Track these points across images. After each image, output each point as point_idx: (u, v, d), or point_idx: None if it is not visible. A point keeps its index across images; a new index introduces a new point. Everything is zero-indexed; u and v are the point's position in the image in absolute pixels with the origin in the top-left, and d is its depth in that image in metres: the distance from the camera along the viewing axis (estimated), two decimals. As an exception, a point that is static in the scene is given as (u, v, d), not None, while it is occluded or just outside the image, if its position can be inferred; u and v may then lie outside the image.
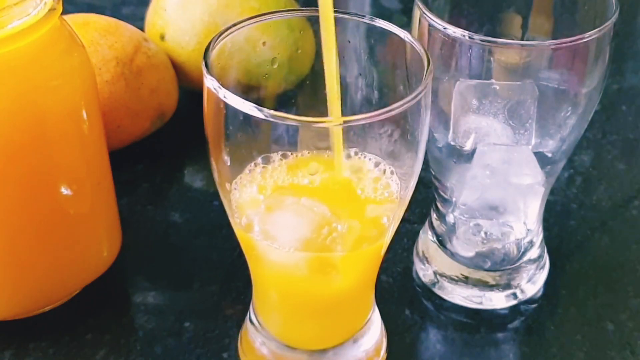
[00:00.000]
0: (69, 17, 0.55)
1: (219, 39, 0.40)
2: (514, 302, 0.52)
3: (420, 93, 0.37)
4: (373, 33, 0.42)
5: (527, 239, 0.52)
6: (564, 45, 0.42)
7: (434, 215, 0.53)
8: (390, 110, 0.36)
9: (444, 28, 0.43)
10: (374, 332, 0.48)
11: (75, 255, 0.49)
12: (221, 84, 0.37)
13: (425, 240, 0.54)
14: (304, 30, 0.43)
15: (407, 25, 0.42)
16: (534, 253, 0.52)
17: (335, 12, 0.42)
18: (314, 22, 0.42)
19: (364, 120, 0.36)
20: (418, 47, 0.40)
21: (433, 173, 0.51)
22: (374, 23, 0.41)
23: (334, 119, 0.39)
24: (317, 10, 0.42)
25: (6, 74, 0.42)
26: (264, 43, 0.42)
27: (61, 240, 0.48)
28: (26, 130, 0.43)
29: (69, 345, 0.49)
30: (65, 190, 0.47)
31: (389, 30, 0.41)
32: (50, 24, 0.43)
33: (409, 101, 0.37)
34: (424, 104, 0.38)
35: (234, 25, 0.41)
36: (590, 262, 0.56)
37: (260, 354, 0.47)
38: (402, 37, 0.41)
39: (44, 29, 0.42)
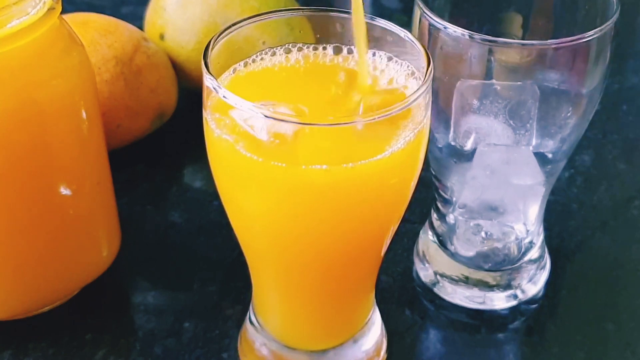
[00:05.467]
0: (68, 17, 0.55)
1: (218, 38, 0.40)
2: (514, 302, 0.52)
3: (421, 93, 0.37)
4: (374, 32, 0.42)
5: (528, 239, 0.52)
6: (564, 44, 0.42)
7: (434, 215, 0.53)
8: (391, 110, 0.36)
9: (445, 27, 0.43)
10: (375, 332, 0.48)
11: (75, 255, 0.49)
12: (220, 84, 0.37)
13: (426, 240, 0.54)
14: (304, 30, 0.43)
15: (407, 25, 0.42)
16: (534, 253, 0.52)
17: (336, 11, 0.42)
18: (314, 21, 0.42)
19: (365, 120, 0.36)
20: (418, 46, 0.40)
21: (433, 173, 0.51)
22: (374, 22, 0.41)
23: (336, 119, 0.38)
24: (316, 10, 0.42)
25: (5, 73, 0.42)
26: (263, 42, 0.43)
27: (60, 240, 0.48)
28: (25, 129, 0.43)
29: (69, 345, 0.49)
30: (64, 190, 0.47)
31: (390, 30, 0.41)
32: (49, 24, 0.43)
33: (410, 101, 0.36)
34: (425, 104, 0.38)
35: (234, 24, 0.41)
36: (591, 262, 0.56)
37: (260, 354, 0.47)
38: (403, 36, 0.41)
39: (43, 29, 0.43)
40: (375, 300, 0.48)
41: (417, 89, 0.37)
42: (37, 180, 0.45)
